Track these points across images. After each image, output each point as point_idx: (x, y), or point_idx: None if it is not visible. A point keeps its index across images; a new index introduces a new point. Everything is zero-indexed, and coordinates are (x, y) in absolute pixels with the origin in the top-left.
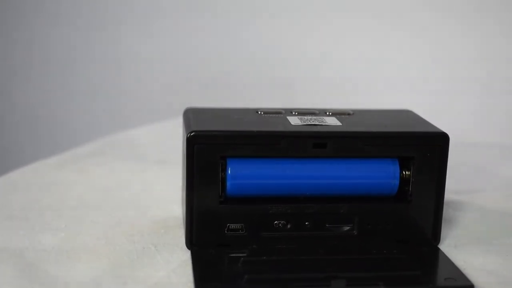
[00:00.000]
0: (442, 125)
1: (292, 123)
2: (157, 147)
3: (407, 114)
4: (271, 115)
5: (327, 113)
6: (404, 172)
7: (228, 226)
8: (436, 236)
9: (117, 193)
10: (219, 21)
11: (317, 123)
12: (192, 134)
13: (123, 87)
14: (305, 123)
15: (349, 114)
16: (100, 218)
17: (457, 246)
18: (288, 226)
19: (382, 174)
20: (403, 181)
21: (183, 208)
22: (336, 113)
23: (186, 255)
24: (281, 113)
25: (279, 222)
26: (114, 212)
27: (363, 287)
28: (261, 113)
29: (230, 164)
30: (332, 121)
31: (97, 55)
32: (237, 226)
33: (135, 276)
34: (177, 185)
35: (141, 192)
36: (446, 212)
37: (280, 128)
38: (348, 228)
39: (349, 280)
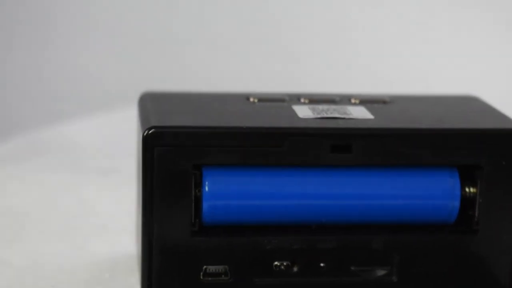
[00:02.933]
0: None
1: (301, 116)
2: (102, 149)
3: (472, 103)
4: (269, 103)
5: (352, 101)
6: (467, 189)
7: (205, 269)
8: None
9: (40, 218)
10: None
11: (337, 115)
12: (150, 131)
13: (53, 64)
14: (319, 116)
15: (384, 102)
16: (13, 256)
17: None
18: (294, 269)
19: (434, 192)
20: (466, 201)
21: (138, 241)
22: (365, 101)
23: None
24: (284, 101)
25: (281, 263)
26: (34, 247)
27: None
28: (254, 100)
29: (208, 177)
30: (360, 113)
31: (20, 18)
32: (219, 269)
33: None
34: (130, 207)
35: (76, 216)
36: None
37: (282, 123)
38: (384, 272)
39: None
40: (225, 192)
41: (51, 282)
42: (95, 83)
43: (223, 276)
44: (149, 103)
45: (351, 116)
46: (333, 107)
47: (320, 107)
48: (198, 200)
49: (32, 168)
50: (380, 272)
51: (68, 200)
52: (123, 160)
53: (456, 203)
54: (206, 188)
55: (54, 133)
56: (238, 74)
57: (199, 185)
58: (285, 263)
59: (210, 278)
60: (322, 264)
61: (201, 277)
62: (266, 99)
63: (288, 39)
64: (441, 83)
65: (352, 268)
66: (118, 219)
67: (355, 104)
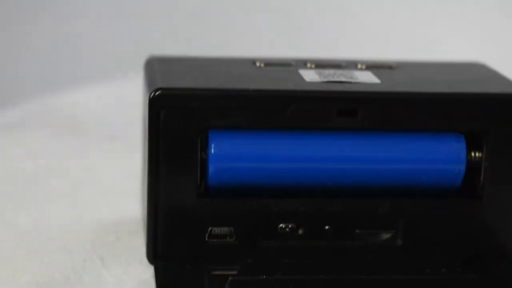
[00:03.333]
0: None
1: (307, 80)
2: (107, 116)
3: (478, 69)
4: (275, 67)
5: (359, 66)
6: (473, 154)
7: (211, 230)
8: None
9: (46, 182)
10: None
11: (344, 79)
12: (157, 93)
13: (57, 31)
14: (326, 80)
15: (391, 67)
16: (21, 218)
17: None
18: (299, 231)
19: (439, 156)
20: (472, 166)
21: (143, 205)
22: (372, 66)
23: (148, 272)
24: (290, 65)
25: (286, 226)
26: (41, 209)
27: None
28: (260, 64)
29: (214, 139)
30: (366, 77)
31: None
32: (224, 230)
33: None
34: (135, 172)
35: (82, 181)
36: None
37: (288, 86)
38: (389, 236)
39: None
40: (231, 155)
41: (57, 244)
42: (100, 50)
43: (228, 238)
44: (156, 66)
45: (357, 80)
46: (339, 71)
47: (327, 71)
48: (204, 163)
49: (37, 134)
50: (385, 236)
51: (74, 165)
52: (127, 126)
53: (462, 168)
54: (212, 151)
55: (60, 99)
56: (245, 42)
57: (205, 147)
58: (290, 226)
59: (215, 240)
60: (327, 227)
61: (206, 239)
62: (273, 64)
63: (295, 6)
64: (448, 51)
65: (357, 231)
66: (123, 183)
67: (361, 69)
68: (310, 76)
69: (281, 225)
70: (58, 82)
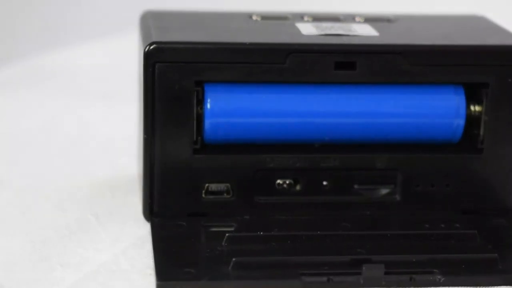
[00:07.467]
0: None
1: (304, 33)
2: (104, 74)
3: (478, 21)
4: (272, 21)
5: (357, 19)
6: (472, 107)
7: (207, 187)
8: None
9: (42, 140)
10: None
11: (341, 32)
12: (152, 47)
13: None
14: (323, 33)
15: (389, 20)
16: (15, 176)
17: None
18: (297, 187)
19: (439, 110)
20: (471, 120)
21: (139, 161)
22: (370, 19)
23: (144, 229)
24: (287, 19)
25: (284, 182)
26: (36, 167)
27: (411, 276)
28: (257, 18)
29: (210, 93)
30: (365, 30)
31: None
32: (220, 186)
33: (65, 261)
34: (131, 129)
35: (78, 138)
36: None
37: (285, 39)
38: (387, 191)
39: (388, 266)
40: (227, 109)
41: (51, 202)
42: (96, 8)
43: (225, 194)
44: (151, 21)
45: (355, 33)
46: (337, 24)
47: (324, 24)
48: (200, 118)
49: (33, 92)
50: (384, 191)
51: (70, 123)
52: (123, 84)
53: (461, 122)
54: (208, 105)
55: (56, 58)
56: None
57: (201, 102)
58: (287, 182)
59: (212, 196)
60: (325, 183)
61: (203, 196)
62: (269, 17)
63: None
64: (448, 4)
65: (355, 187)
66: (119, 141)
67: (359, 22)
68: (307, 29)
69: (278, 181)
70: (53, 41)
